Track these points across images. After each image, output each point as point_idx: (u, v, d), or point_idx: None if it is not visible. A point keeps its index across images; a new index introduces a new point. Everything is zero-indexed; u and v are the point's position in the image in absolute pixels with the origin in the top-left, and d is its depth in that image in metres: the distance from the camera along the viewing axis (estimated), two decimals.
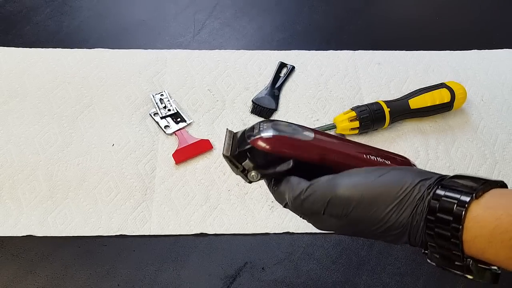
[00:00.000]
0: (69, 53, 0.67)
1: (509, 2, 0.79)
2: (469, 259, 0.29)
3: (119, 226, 0.52)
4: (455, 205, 0.28)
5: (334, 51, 0.70)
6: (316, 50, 0.70)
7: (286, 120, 0.37)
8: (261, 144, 0.34)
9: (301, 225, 0.53)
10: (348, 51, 0.70)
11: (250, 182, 0.36)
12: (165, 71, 0.66)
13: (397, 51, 0.70)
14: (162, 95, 0.63)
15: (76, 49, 0.68)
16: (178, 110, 0.61)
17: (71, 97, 0.63)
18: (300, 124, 0.37)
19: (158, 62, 0.67)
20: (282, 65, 0.67)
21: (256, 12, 0.76)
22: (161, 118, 0.60)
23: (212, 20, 0.74)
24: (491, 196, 0.28)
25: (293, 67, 0.67)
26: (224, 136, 0.37)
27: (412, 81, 0.67)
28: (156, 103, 0.62)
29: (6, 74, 0.65)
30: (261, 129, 0.35)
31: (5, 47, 0.68)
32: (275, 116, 0.62)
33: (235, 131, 0.37)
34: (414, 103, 0.60)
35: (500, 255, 0.28)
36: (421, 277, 0.50)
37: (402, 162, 0.38)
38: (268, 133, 0.34)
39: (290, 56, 0.69)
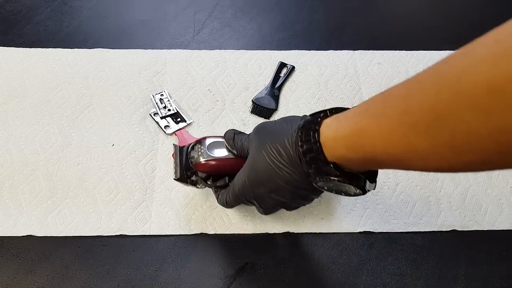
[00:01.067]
0: (69, 53, 0.67)
1: (509, 2, 0.79)
2: (332, 164, 0.37)
3: (119, 226, 0.52)
4: (315, 120, 0.38)
5: (334, 51, 0.70)
6: (316, 50, 0.70)
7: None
8: (201, 168, 0.47)
9: (301, 225, 0.53)
10: (348, 51, 0.70)
11: (200, 188, 0.51)
12: (165, 71, 0.66)
13: (397, 51, 0.70)
14: (162, 95, 0.63)
15: (76, 49, 0.68)
16: (178, 110, 0.61)
17: (71, 97, 0.63)
18: None
19: (158, 62, 0.67)
20: (282, 65, 0.67)
21: (256, 12, 0.76)
22: (161, 118, 0.60)
23: (212, 20, 0.74)
24: (339, 114, 0.38)
25: (293, 67, 0.67)
26: (173, 155, 0.50)
27: None
28: (156, 103, 0.62)
29: (6, 74, 0.65)
30: (200, 153, 0.47)
31: (5, 47, 0.68)
32: (275, 116, 0.62)
33: (178, 146, 0.50)
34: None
35: (341, 152, 0.36)
36: (421, 277, 0.50)
37: None
38: (204, 159, 0.47)
39: (290, 56, 0.69)
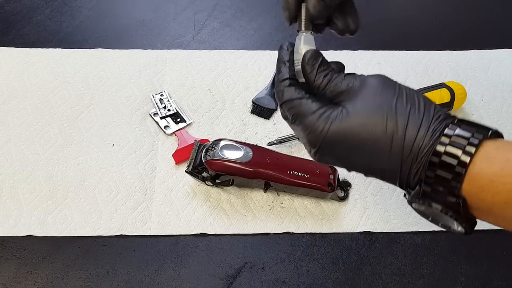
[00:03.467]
0: (69, 53, 0.67)
1: (509, 2, 0.79)
2: (462, 199, 0.28)
3: (119, 226, 0.52)
4: (470, 138, 0.28)
5: (334, 51, 0.70)
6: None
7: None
8: (210, 166, 0.51)
9: (301, 225, 0.53)
10: (348, 51, 0.70)
11: (209, 185, 0.54)
12: (165, 71, 0.66)
13: (397, 51, 0.70)
14: (162, 95, 0.63)
15: (76, 49, 0.68)
16: (178, 110, 0.61)
17: (71, 97, 0.63)
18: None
19: (158, 62, 0.67)
20: None
21: (256, 12, 0.76)
22: (161, 118, 0.60)
23: (212, 20, 0.74)
24: (503, 141, 0.28)
25: None
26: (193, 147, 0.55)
27: (412, 81, 0.67)
28: (156, 103, 0.62)
29: (6, 74, 0.65)
30: (213, 151, 0.51)
31: (5, 47, 0.68)
32: (274, 116, 0.62)
33: (201, 143, 0.55)
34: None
35: (499, 197, 0.27)
36: (421, 277, 0.50)
37: (319, 173, 0.53)
38: (215, 158, 0.51)
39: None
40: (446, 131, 0.29)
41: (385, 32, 0.74)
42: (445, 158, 0.28)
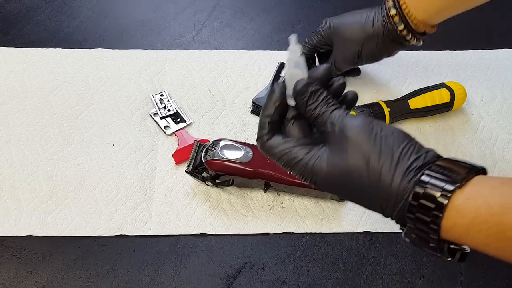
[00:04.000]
0: (69, 53, 0.67)
1: (509, 2, 0.79)
2: (445, 244, 0.31)
3: (119, 226, 0.52)
4: (440, 193, 0.29)
5: None
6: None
7: None
8: (210, 166, 0.51)
9: (301, 225, 0.53)
10: None
11: (209, 185, 0.54)
12: (165, 71, 0.66)
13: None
14: (162, 95, 0.63)
15: (76, 49, 0.68)
16: (178, 110, 0.61)
17: (71, 97, 0.63)
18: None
19: (158, 62, 0.67)
20: (282, 66, 0.67)
21: (256, 12, 0.76)
22: (161, 118, 0.60)
23: (212, 20, 0.74)
24: (473, 185, 0.29)
25: None
26: (194, 147, 0.55)
27: (412, 81, 0.67)
28: (156, 103, 0.62)
29: (6, 74, 0.65)
30: (213, 151, 0.51)
31: (5, 47, 0.68)
32: None
33: (199, 141, 0.55)
34: (414, 103, 0.60)
35: (477, 242, 0.30)
36: (421, 277, 0.50)
37: None
38: (215, 158, 0.51)
39: None
40: (424, 177, 0.30)
41: None
42: (419, 215, 0.30)
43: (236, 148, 0.52)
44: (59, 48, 0.68)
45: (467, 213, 0.29)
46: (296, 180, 0.52)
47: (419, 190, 0.30)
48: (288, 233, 0.52)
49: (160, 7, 0.75)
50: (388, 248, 0.52)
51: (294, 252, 0.51)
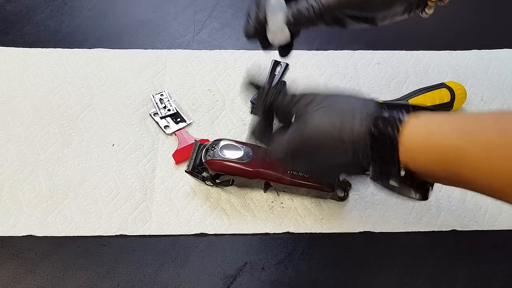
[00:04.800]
0: (69, 53, 0.67)
1: (509, 2, 0.79)
2: (403, 169, 0.33)
3: (119, 226, 0.52)
4: (397, 117, 0.34)
5: (334, 51, 0.70)
6: (316, 50, 0.70)
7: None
8: (210, 166, 0.51)
9: (301, 225, 0.53)
10: (348, 51, 0.70)
11: (208, 185, 0.54)
12: (165, 71, 0.66)
13: (397, 51, 0.70)
14: (162, 95, 0.63)
15: (76, 49, 0.68)
16: (178, 110, 0.61)
17: (71, 97, 0.63)
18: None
19: (158, 62, 0.67)
20: (276, 63, 0.67)
21: None
22: (161, 118, 0.60)
23: (212, 20, 0.74)
24: (426, 114, 0.34)
25: (287, 65, 0.67)
26: (194, 147, 0.55)
27: (412, 81, 0.67)
28: (156, 103, 0.62)
29: (6, 74, 0.65)
30: (213, 151, 0.51)
31: (5, 47, 0.68)
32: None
33: (199, 141, 0.55)
34: (414, 103, 0.60)
35: (428, 164, 0.33)
36: (421, 277, 0.50)
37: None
38: (215, 157, 0.51)
39: (290, 56, 0.69)
40: (376, 120, 0.34)
41: (385, 32, 0.74)
42: (379, 140, 0.34)
43: (236, 148, 0.52)
44: (59, 48, 0.68)
45: (421, 130, 0.33)
46: (296, 180, 0.52)
47: (379, 123, 0.34)
48: (288, 233, 0.52)
49: (160, 7, 0.75)
50: (388, 248, 0.52)
51: (294, 252, 0.51)
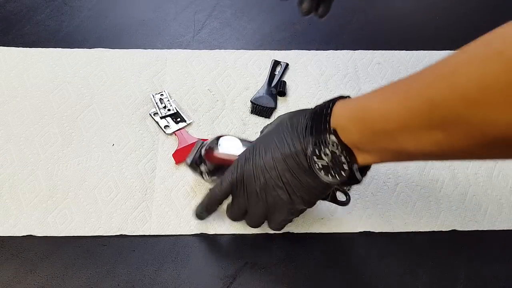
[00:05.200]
0: (69, 53, 0.67)
1: (509, 2, 0.79)
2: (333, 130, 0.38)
3: (119, 226, 0.52)
4: (328, 104, 0.40)
5: (334, 51, 0.70)
6: (316, 50, 0.70)
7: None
8: (209, 158, 0.51)
9: (301, 225, 0.53)
10: (348, 51, 0.70)
11: (206, 181, 0.53)
12: (165, 71, 0.66)
13: (397, 51, 0.70)
14: (162, 95, 0.63)
15: (76, 49, 0.68)
16: (178, 110, 0.61)
17: (71, 97, 0.63)
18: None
19: (158, 62, 0.67)
20: (276, 63, 0.67)
21: (256, 12, 0.76)
22: (161, 118, 0.60)
23: (212, 20, 0.74)
24: (350, 98, 0.41)
25: (287, 64, 0.67)
26: (195, 145, 0.54)
27: None
28: (156, 103, 0.62)
29: (6, 74, 0.65)
30: (214, 144, 0.51)
31: (5, 47, 0.68)
32: (275, 115, 0.62)
33: (204, 141, 0.54)
34: None
35: (344, 122, 0.38)
36: (421, 277, 0.50)
37: None
38: (214, 150, 0.50)
39: (290, 56, 0.69)
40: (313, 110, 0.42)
41: (385, 32, 0.74)
42: (317, 115, 0.40)
43: (238, 144, 0.51)
44: (59, 48, 0.68)
45: (344, 102, 0.39)
46: None
47: (316, 108, 0.42)
48: (288, 233, 0.52)
49: (160, 7, 0.75)
50: (388, 248, 0.52)
51: (294, 252, 0.51)
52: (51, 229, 0.51)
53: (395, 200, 0.55)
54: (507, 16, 0.82)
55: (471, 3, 0.79)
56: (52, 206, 0.53)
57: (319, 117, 0.40)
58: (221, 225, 0.52)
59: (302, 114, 0.43)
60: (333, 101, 0.40)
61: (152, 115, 0.61)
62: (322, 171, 0.40)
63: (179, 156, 0.57)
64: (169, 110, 0.61)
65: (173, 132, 0.59)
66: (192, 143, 0.57)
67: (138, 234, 0.52)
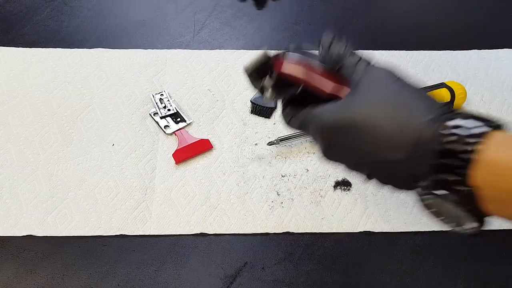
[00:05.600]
0: (69, 53, 0.67)
1: (509, 2, 0.79)
2: (474, 188, 0.27)
3: (119, 226, 0.52)
4: (477, 127, 0.27)
5: None
6: (316, 50, 0.70)
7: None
8: (280, 67, 0.37)
9: (301, 225, 0.53)
10: None
11: (266, 100, 0.39)
12: (165, 71, 0.66)
13: (397, 51, 0.70)
14: (162, 95, 0.63)
15: (76, 49, 0.68)
16: (178, 110, 0.61)
17: (71, 97, 0.63)
18: None
19: (158, 62, 0.67)
20: None
21: (256, 12, 0.76)
22: (161, 118, 0.60)
23: (212, 20, 0.74)
24: (501, 134, 0.28)
25: None
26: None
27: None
28: (156, 103, 0.62)
29: (6, 74, 0.65)
30: (286, 54, 0.37)
31: (5, 47, 0.68)
32: (275, 115, 0.62)
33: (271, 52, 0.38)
34: None
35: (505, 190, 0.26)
36: (421, 277, 0.50)
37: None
38: (291, 58, 0.37)
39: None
40: (451, 121, 0.28)
41: (385, 32, 0.74)
42: (452, 146, 0.27)
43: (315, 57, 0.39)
44: (59, 48, 0.68)
45: (497, 158, 0.26)
46: None
47: (451, 128, 0.28)
48: (288, 233, 0.52)
49: (160, 7, 0.75)
50: (388, 248, 0.52)
51: (294, 252, 0.51)
52: (51, 229, 0.51)
53: (395, 200, 0.55)
54: (507, 16, 0.83)
55: (471, 3, 0.79)
56: (52, 206, 0.53)
57: (453, 151, 0.27)
58: (221, 225, 0.52)
59: (422, 111, 0.29)
60: (479, 135, 0.27)
61: (152, 115, 0.61)
62: (424, 196, 0.30)
63: (179, 156, 0.57)
64: (169, 110, 0.61)
65: (173, 132, 0.59)
66: (192, 143, 0.57)
67: (138, 234, 0.52)
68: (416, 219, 0.54)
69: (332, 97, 0.36)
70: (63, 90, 0.63)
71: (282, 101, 0.40)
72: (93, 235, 0.51)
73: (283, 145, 0.59)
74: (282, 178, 0.56)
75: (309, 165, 0.57)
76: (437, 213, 0.30)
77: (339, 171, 0.57)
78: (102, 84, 0.64)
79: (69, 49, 0.68)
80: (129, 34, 0.71)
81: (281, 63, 0.37)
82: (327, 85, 0.37)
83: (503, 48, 0.71)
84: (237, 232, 0.52)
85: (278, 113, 0.63)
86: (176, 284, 0.48)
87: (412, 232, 0.53)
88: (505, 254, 0.52)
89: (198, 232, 0.52)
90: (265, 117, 0.62)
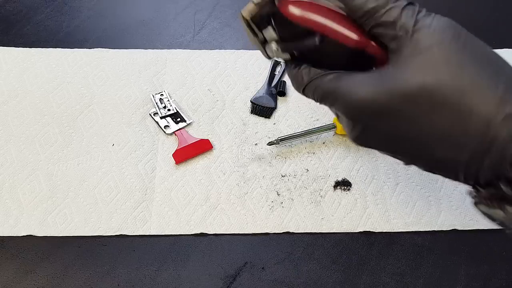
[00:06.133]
0: (69, 53, 0.67)
1: (509, 2, 0.79)
2: None
3: (119, 226, 0.52)
4: None
5: None
6: None
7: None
8: (291, 9, 0.27)
9: (301, 225, 0.53)
10: None
11: (268, 58, 0.31)
12: (165, 71, 0.66)
13: None
14: (162, 95, 0.63)
15: (76, 49, 0.68)
16: (178, 110, 0.61)
17: (71, 97, 0.63)
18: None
19: (158, 62, 0.67)
20: (276, 63, 0.67)
21: None
22: (161, 118, 0.60)
23: (212, 20, 0.74)
24: None
25: None
26: None
27: None
28: (156, 103, 0.62)
29: (6, 74, 0.65)
30: None
31: (5, 47, 0.68)
32: (275, 115, 0.62)
33: None
34: None
35: None
36: (421, 277, 0.50)
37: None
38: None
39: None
40: None
41: None
42: None
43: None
44: (59, 48, 0.68)
45: None
46: None
47: None
48: (288, 233, 0.52)
49: (160, 7, 0.75)
50: (388, 248, 0.52)
51: (294, 252, 0.51)
52: (51, 229, 0.51)
53: (395, 200, 0.55)
54: (507, 16, 0.83)
55: (471, 3, 0.79)
56: (52, 206, 0.53)
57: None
58: (221, 225, 0.52)
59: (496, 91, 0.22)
60: None
61: (152, 115, 0.61)
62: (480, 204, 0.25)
63: (179, 156, 0.57)
64: (169, 110, 0.61)
65: (173, 132, 0.59)
66: (192, 143, 0.57)
67: (138, 234, 0.52)
68: (416, 218, 0.54)
69: (361, 61, 0.27)
70: (63, 90, 0.63)
71: (289, 60, 0.30)
72: (93, 235, 0.51)
73: (283, 145, 0.59)
74: (282, 178, 0.56)
75: (309, 165, 0.57)
76: (493, 219, 0.26)
77: (339, 171, 0.57)
78: (102, 84, 0.64)
79: (69, 49, 0.68)
80: (129, 34, 0.71)
81: (289, 3, 0.28)
82: (354, 37, 0.27)
83: (503, 48, 0.71)
84: (237, 232, 0.52)
85: (278, 113, 0.63)
86: (176, 284, 0.48)
87: (412, 232, 0.53)
88: (505, 254, 0.52)
89: (198, 232, 0.52)
90: (265, 117, 0.62)
